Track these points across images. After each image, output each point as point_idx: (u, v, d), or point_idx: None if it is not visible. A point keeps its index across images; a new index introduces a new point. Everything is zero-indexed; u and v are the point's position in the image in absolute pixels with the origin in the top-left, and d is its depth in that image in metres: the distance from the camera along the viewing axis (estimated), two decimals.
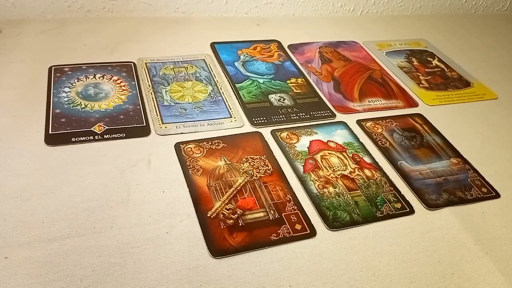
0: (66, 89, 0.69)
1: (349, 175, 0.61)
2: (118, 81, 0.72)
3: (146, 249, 0.48)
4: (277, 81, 0.79)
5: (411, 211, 0.57)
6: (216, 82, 0.76)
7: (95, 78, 0.72)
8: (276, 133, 0.67)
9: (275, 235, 0.51)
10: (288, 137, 0.66)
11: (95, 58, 0.77)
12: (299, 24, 1.00)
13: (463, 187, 0.62)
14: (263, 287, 0.46)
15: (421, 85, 0.84)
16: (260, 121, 0.68)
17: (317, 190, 0.58)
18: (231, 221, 0.52)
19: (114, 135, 0.62)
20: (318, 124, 0.70)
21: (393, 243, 0.53)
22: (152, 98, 0.70)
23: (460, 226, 0.56)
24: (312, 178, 0.59)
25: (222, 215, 0.53)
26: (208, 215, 0.52)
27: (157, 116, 0.66)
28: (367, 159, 0.64)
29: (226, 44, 0.87)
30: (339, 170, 0.61)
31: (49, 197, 0.52)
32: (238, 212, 0.53)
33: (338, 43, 0.94)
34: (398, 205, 0.58)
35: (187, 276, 0.46)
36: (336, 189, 0.58)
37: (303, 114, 0.71)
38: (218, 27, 0.94)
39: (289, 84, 0.78)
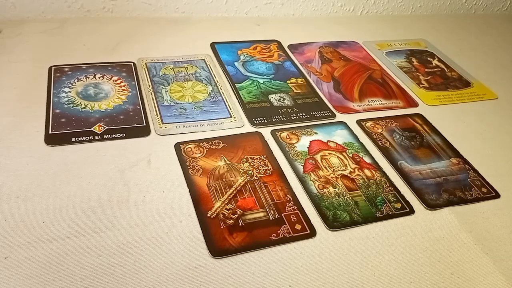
0: (66, 89, 0.69)
1: (349, 175, 0.61)
2: (118, 81, 0.72)
3: (146, 249, 0.48)
4: (277, 81, 0.79)
5: (411, 211, 0.57)
6: (216, 82, 0.76)
7: (95, 78, 0.72)
8: (276, 133, 0.67)
9: (275, 235, 0.51)
10: (288, 137, 0.66)
11: (95, 58, 0.77)
12: (299, 24, 1.00)
13: (463, 187, 0.62)
14: (263, 287, 0.46)
15: (421, 85, 0.84)
16: (260, 121, 0.68)
17: (317, 190, 0.58)
18: (231, 221, 0.52)
19: (114, 135, 0.62)
20: (318, 124, 0.70)
21: (393, 243, 0.53)
22: (152, 98, 0.70)
23: (460, 226, 0.56)
24: (312, 178, 0.59)
25: (222, 215, 0.53)
26: (208, 215, 0.52)
27: (157, 116, 0.66)
28: (367, 159, 0.64)
29: (226, 44, 0.87)
30: (339, 170, 0.61)
31: (49, 197, 0.52)
32: (238, 212, 0.53)
33: (338, 43, 0.94)
34: (398, 205, 0.58)
35: (187, 276, 0.46)
36: (336, 189, 0.58)
37: (303, 114, 0.71)
38: (218, 27, 0.94)
39: (289, 84, 0.78)
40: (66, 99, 0.67)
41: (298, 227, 0.53)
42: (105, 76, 0.73)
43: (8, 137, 0.59)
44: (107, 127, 0.63)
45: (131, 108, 0.67)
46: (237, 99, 0.73)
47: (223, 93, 0.73)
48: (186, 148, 0.61)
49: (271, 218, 0.53)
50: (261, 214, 0.54)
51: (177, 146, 0.62)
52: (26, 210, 0.50)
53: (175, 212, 0.52)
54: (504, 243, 0.55)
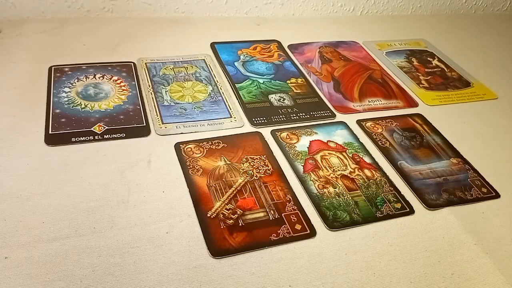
0: (66, 89, 0.69)
1: (349, 175, 0.61)
2: (118, 81, 0.72)
3: (146, 249, 0.48)
4: (277, 81, 0.79)
5: (411, 211, 0.57)
6: (216, 82, 0.76)
7: (95, 78, 0.72)
8: (276, 133, 0.67)
9: (275, 235, 0.51)
10: (288, 137, 0.66)
11: (95, 58, 0.77)
12: (299, 24, 1.00)
13: (463, 187, 0.62)
14: (263, 287, 0.46)
15: (421, 85, 0.84)
16: (260, 121, 0.68)
17: (317, 190, 0.58)
18: (231, 221, 0.52)
19: (114, 135, 0.62)
20: (318, 124, 0.70)
21: (393, 243, 0.53)
22: (152, 98, 0.70)
23: (460, 226, 0.56)
24: (312, 178, 0.59)
25: (222, 215, 0.53)
26: (208, 215, 0.52)
27: (157, 116, 0.66)
28: (367, 159, 0.64)
29: (226, 44, 0.87)
30: (339, 170, 0.61)
31: (49, 197, 0.52)
32: (238, 212, 0.53)
33: (338, 43, 0.94)
34: (398, 205, 0.58)
35: (187, 276, 0.46)
36: (336, 189, 0.58)
37: (303, 114, 0.71)
38: (218, 27, 0.94)
39: (289, 84, 0.78)
40: (66, 99, 0.67)
41: (298, 227, 0.53)
42: (105, 76, 0.73)
43: (8, 137, 0.59)
44: (107, 127, 0.63)
45: (131, 108, 0.67)
46: (237, 99, 0.73)
47: (223, 93, 0.73)
48: (186, 148, 0.61)
49: (271, 218, 0.53)
50: (261, 214, 0.54)
51: (177, 146, 0.62)
52: (26, 210, 0.50)
53: (175, 212, 0.52)
54: (504, 243, 0.55)
